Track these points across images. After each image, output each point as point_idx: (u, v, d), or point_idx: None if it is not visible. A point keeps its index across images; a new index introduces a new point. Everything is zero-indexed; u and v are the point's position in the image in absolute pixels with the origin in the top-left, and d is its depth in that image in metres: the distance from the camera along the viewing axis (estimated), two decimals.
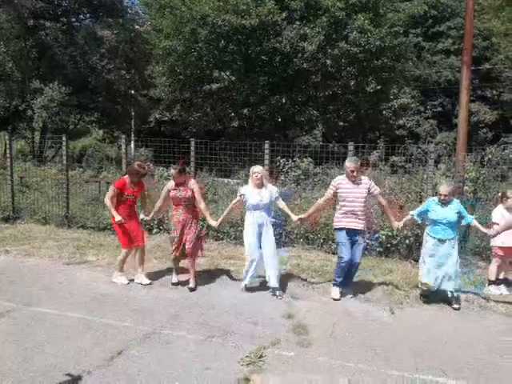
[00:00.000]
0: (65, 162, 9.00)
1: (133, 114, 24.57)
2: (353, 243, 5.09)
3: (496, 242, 5.42)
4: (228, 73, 19.14)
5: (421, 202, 7.95)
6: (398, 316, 4.79)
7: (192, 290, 5.36)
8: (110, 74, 20.69)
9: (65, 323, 4.27)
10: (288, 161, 10.33)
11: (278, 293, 5.22)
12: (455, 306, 4.96)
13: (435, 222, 4.98)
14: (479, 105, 25.64)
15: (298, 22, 15.95)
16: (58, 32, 18.76)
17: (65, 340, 3.90)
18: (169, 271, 5.87)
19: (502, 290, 5.47)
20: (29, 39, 18.59)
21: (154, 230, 8.13)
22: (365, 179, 5.16)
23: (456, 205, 4.97)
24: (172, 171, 5.31)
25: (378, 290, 5.49)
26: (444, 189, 4.89)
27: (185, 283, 5.48)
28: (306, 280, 5.78)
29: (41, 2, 17.94)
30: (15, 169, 9.82)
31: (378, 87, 18.17)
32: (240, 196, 5.30)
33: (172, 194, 5.34)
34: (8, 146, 9.82)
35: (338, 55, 16.08)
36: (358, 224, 5.05)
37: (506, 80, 25.16)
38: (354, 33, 15.53)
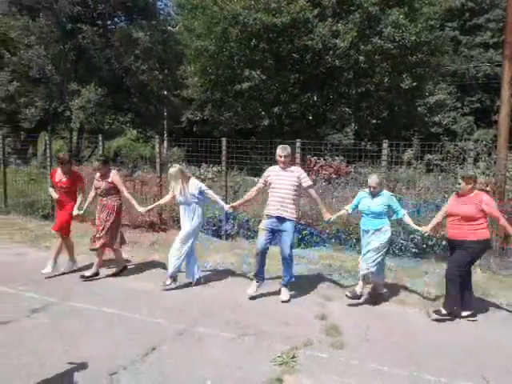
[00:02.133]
0: None
1: (165, 114, 24.99)
2: (280, 232, 4.97)
3: None
4: (259, 72, 19.13)
5: None
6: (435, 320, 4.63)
7: (84, 277, 5.55)
8: (144, 75, 21.12)
9: (101, 318, 4.39)
10: (319, 159, 10.23)
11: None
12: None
13: (362, 214, 5.05)
14: None
15: (330, 19, 15.72)
16: (94, 35, 19.30)
17: (102, 335, 4.01)
18: (204, 268, 5.94)
19: None
20: (67, 43, 19.24)
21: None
22: (296, 169, 5.13)
23: (385, 197, 4.93)
24: (96, 162, 5.70)
25: (413, 292, 5.35)
26: (372, 181, 4.90)
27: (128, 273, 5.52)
28: (338, 281, 5.70)
29: (78, 6, 18.52)
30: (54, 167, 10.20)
31: (413, 84, 17.66)
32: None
33: (94, 183, 5.72)
34: (48, 145, 10.21)
35: (371, 51, 15.74)
36: (286, 212, 4.92)
37: None
38: (389, 28, 15.15)
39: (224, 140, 8.15)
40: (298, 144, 7.80)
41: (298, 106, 17.78)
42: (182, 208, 5.40)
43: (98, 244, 5.60)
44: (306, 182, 5.04)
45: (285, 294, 5.08)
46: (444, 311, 4.58)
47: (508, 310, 4.87)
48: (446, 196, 7.78)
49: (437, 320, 4.56)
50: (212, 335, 4.06)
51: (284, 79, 17.31)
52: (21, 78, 18.75)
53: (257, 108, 19.98)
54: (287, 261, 5.03)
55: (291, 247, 5.01)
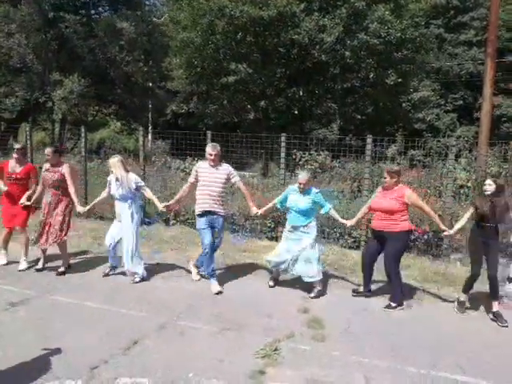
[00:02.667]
0: (83, 153, 9.13)
1: (150, 106, 24.72)
2: (213, 226, 5.14)
3: None
4: (245, 65, 19.02)
5: (440, 196, 7.84)
6: (416, 312, 4.73)
7: (61, 273, 5.44)
8: (128, 66, 20.81)
9: (83, 313, 4.34)
10: (304, 154, 10.26)
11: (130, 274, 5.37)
12: (311, 294, 5.03)
13: (289, 210, 5.15)
14: (502, 98, 24.94)
15: (316, 13, 15.69)
16: (77, 24, 18.90)
17: (84, 329, 3.96)
18: (184, 263, 5.93)
19: None
20: (49, 31, 18.80)
21: (171, 222, 8.20)
22: (225, 165, 5.25)
23: (312, 195, 5.06)
24: (47, 150, 5.46)
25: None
26: (302, 177, 4.99)
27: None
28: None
29: None
30: (35, 160, 9.99)
31: (398, 80, 17.79)
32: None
33: (43, 175, 5.49)
34: (28, 137, 9.99)
35: (357, 47, 15.80)
36: (216, 207, 5.10)
37: None
38: (374, 24, 15.21)
39: (209, 133, 8.10)
40: (282, 138, 7.81)
41: (284, 101, 17.76)
42: (117, 204, 5.35)
43: (48, 242, 5.37)
44: (235, 177, 5.24)
45: (215, 286, 5.10)
46: (394, 304, 4.78)
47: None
48: (429, 192, 7.92)
49: (388, 308, 4.76)
50: (195, 328, 4.06)
51: (270, 73, 17.26)
52: (1, 67, 18.28)
53: (243, 101, 19.89)
54: (212, 253, 5.21)
55: (220, 239, 5.35)
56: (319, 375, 3.35)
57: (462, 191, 7.95)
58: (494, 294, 4.63)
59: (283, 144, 7.78)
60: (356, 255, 6.53)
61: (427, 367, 3.53)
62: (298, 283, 5.40)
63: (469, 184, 7.68)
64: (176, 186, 8.21)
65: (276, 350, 3.68)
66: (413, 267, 6.11)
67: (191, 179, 5.30)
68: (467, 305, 4.81)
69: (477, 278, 4.68)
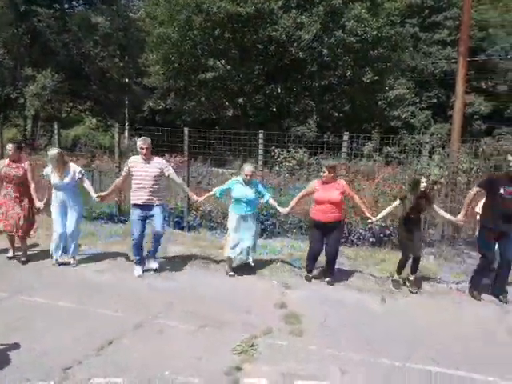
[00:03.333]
0: None
1: (126, 102, 24.33)
2: (151, 216, 5.35)
3: None
4: (223, 61, 18.94)
5: None
6: (390, 305, 4.81)
7: (25, 262, 5.72)
8: (104, 62, 20.46)
9: (56, 313, 4.24)
10: (283, 151, 10.30)
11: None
12: (230, 273, 5.53)
13: (237, 200, 5.44)
14: (474, 96, 25.61)
15: (294, 11, 15.75)
16: (50, 18, 18.46)
17: (57, 329, 3.88)
18: (166, 261, 5.88)
19: None
20: (21, 26, 18.27)
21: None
22: (157, 159, 5.44)
23: (256, 185, 5.52)
24: (10, 145, 5.61)
25: (370, 279, 5.53)
26: (248, 169, 5.35)
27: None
28: (298, 270, 5.79)
29: None
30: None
31: (374, 78, 18.06)
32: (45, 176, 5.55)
33: (5, 170, 5.56)
34: None
35: (334, 44, 15.95)
36: (152, 199, 5.30)
37: (502, 71, 25.14)
38: (351, 22, 15.39)
39: (186, 130, 8.02)
40: (260, 135, 7.81)
41: (262, 97, 17.78)
42: (58, 194, 5.47)
43: (19, 233, 5.63)
44: (168, 170, 5.42)
45: (154, 264, 5.60)
46: (330, 279, 5.35)
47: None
48: (404, 188, 8.06)
49: (330, 284, 5.29)
50: (172, 327, 4.03)
51: (248, 70, 17.24)
52: None
53: (221, 98, 19.81)
54: (158, 238, 5.54)
55: (162, 226, 5.53)
56: (295, 369, 3.38)
57: (435, 187, 8.13)
58: (415, 270, 5.33)
59: (261, 141, 7.79)
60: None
61: (402, 359, 3.61)
62: (274, 278, 5.43)
63: (442, 180, 7.85)
64: None
65: (253, 345, 3.69)
66: (388, 261, 6.21)
67: (123, 173, 5.49)
68: (401, 282, 5.38)
69: (408, 260, 5.28)
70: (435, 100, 27.21)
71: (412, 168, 8.71)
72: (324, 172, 5.13)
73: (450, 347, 3.86)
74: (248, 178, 5.36)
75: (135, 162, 5.34)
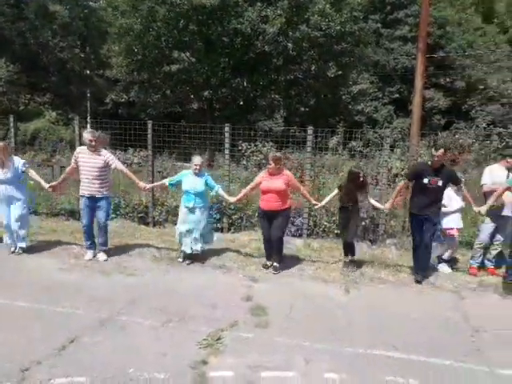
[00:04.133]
0: (13, 144, 8.52)
1: (88, 95, 23.56)
2: (96, 208, 5.56)
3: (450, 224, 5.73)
4: (188, 54, 18.68)
5: (377, 184, 8.20)
6: (354, 295, 4.93)
7: None
8: (64, 53, 19.70)
9: (13, 313, 4.08)
10: (250, 145, 10.30)
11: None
12: (187, 261, 5.68)
13: (186, 192, 5.55)
14: (434, 92, 26.50)
15: (259, 4, 15.73)
16: (4, 5, 17.53)
17: (14, 330, 3.73)
18: (130, 257, 5.77)
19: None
20: None
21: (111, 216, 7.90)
22: (104, 151, 5.57)
23: (205, 177, 5.62)
24: None
25: (334, 270, 5.64)
26: (198, 160, 5.54)
27: None
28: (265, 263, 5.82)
29: None
30: None
31: (338, 72, 18.35)
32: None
33: None
34: None
35: (299, 38, 16.06)
36: (98, 191, 5.49)
37: (459, 68, 26.13)
38: (315, 16, 15.55)
39: (150, 123, 7.85)
40: (226, 129, 7.75)
41: (228, 91, 17.69)
42: (4, 187, 5.55)
43: None
44: (114, 162, 5.53)
45: (103, 256, 5.72)
46: (277, 264, 5.52)
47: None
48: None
49: (275, 270, 5.46)
50: (136, 323, 3.96)
51: (214, 63, 17.08)
52: None
53: (186, 91, 19.55)
54: (103, 229, 5.72)
55: (107, 217, 5.69)
56: (261, 361, 3.40)
57: (396, 179, 8.38)
58: (346, 253, 5.73)
59: (227, 135, 7.74)
60: (300, 243, 6.72)
61: (364, 347, 3.71)
62: (241, 272, 5.45)
63: (403, 173, 8.10)
64: (117, 176, 7.90)
65: (219, 339, 3.70)
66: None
67: (72, 163, 5.59)
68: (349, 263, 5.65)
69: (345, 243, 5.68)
70: (397, 95, 27.95)
71: (374, 161, 8.95)
72: (270, 164, 5.32)
73: (411, 334, 4.00)
74: (197, 169, 5.49)
75: (82, 154, 5.48)
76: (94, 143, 5.39)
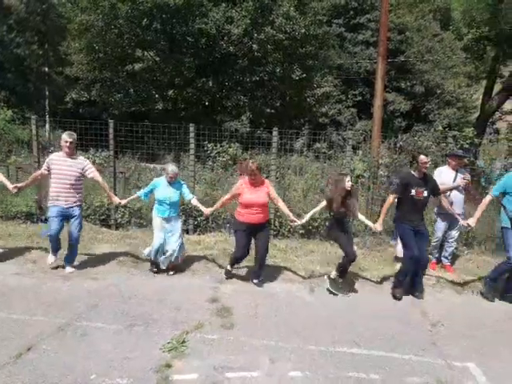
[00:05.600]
0: None
1: (47, 93, 22.67)
2: (71, 218, 5.19)
3: None
4: (152, 53, 18.37)
5: None
6: (318, 294, 5.01)
7: None
8: (20, 49, 18.89)
9: None
10: (216, 145, 10.25)
11: None
12: (171, 272, 5.41)
13: (160, 202, 5.29)
14: (395, 95, 27.35)
15: (224, 5, 15.71)
16: None
17: None
18: (91, 261, 5.61)
19: None
20: None
21: None
22: (81, 158, 5.28)
23: (179, 185, 5.38)
24: None
25: (300, 270, 5.71)
26: (171, 170, 5.20)
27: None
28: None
29: None
30: None
31: (303, 75, 18.58)
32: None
33: None
34: None
35: (264, 40, 16.14)
36: (70, 200, 5.12)
37: (418, 72, 27.09)
38: (280, 19, 15.69)
39: (111, 122, 7.65)
40: (191, 129, 7.68)
41: (193, 91, 17.52)
42: None
43: None
44: (91, 172, 5.20)
45: (70, 269, 5.31)
46: (257, 280, 5.16)
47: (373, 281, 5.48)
48: (328, 187, 8.42)
49: (259, 285, 5.12)
50: (97, 328, 3.86)
51: (178, 62, 16.88)
52: None
53: (150, 90, 19.19)
54: (74, 242, 5.30)
55: (79, 229, 5.28)
56: (227, 361, 3.40)
57: (359, 180, 8.60)
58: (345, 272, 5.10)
59: (192, 135, 7.66)
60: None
61: (327, 344, 3.79)
62: (207, 274, 5.42)
63: (365, 174, 8.32)
64: None
65: (184, 342, 3.66)
66: (316, 252, 6.48)
67: (43, 169, 5.19)
68: (339, 280, 5.10)
69: (353, 260, 5.03)
70: (360, 98, 28.63)
71: (338, 163, 9.14)
72: (251, 175, 4.91)
73: (373, 331, 4.11)
74: (172, 177, 5.21)
75: (56, 159, 5.11)
76: (68, 145, 5.03)
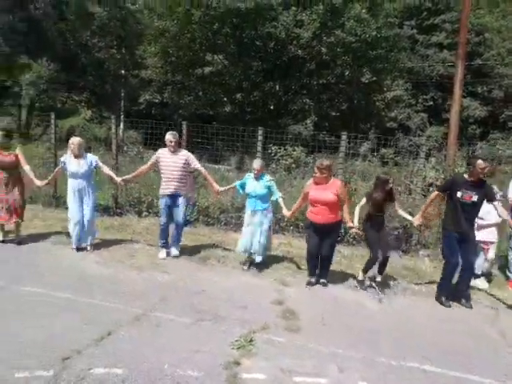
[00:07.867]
0: (53, 140, 8.84)
1: (122, 94, 24.13)
2: (175, 206, 5.77)
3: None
4: (221, 56, 18.89)
5: (410, 193, 8.06)
6: (386, 305, 4.85)
7: (19, 243, 5.99)
8: (101, 53, 20.29)
9: (53, 303, 4.22)
10: (280, 149, 10.31)
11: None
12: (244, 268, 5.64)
13: (249, 195, 5.55)
14: (470, 100, 25.80)
15: (294, 8, 15.76)
16: (47, 6, 18.22)
17: (52, 319, 3.86)
18: (156, 253, 5.88)
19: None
20: (17, 13, 18.02)
21: (144, 213, 8.06)
22: (183, 151, 5.85)
23: (265, 180, 5.50)
24: None
25: (366, 278, 5.54)
26: (256, 164, 5.46)
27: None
28: (295, 267, 5.82)
29: None
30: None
31: (372, 78, 18.14)
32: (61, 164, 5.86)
33: None
34: None
35: (333, 43, 15.99)
36: (178, 189, 5.72)
37: (497, 76, 25.36)
38: (351, 21, 15.44)
39: (184, 124, 7.97)
40: (260, 132, 7.76)
41: (260, 95, 17.79)
42: (74, 182, 5.73)
43: (13, 220, 5.91)
44: (195, 164, 5.80)
45: (175, 251, 5.95)
46: (325, 280, 5.24)
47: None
48: (399, 189, 8.13)
49: (324, 287, 5.18)
50: (169, 320, 4.03)
51: (247, 66, 17.23)
52: None
53: (218, 94, 19.76)
54: (179, 227, 5.94)
55: (184, 218, 5.95)
56: (294, 365, 3.40)
57: (430, 189, 8.20)
58: (382, 270, 5.33)
59: (260, 138, 7.75)
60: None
61: (397, 358, 3.65)
62: (271, 275, 5.45)
63: (438, 183, 7.93)
64: (148, 176, 8.07)
65: (251, 341, 3.71)
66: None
67: (151, 160, 5.87)
68: (367, 283, 5.29)
69: (377, 260, 5.18)
70: (431, 103, 27.38)
71: (408, 169, 8.79)
72: (315, 172, 4.98)
73: (444, 347, 3.90)
74: (256, 172, 5.46)
75: (163, 154, 5.72)
76: (173, 143, 5.64)
